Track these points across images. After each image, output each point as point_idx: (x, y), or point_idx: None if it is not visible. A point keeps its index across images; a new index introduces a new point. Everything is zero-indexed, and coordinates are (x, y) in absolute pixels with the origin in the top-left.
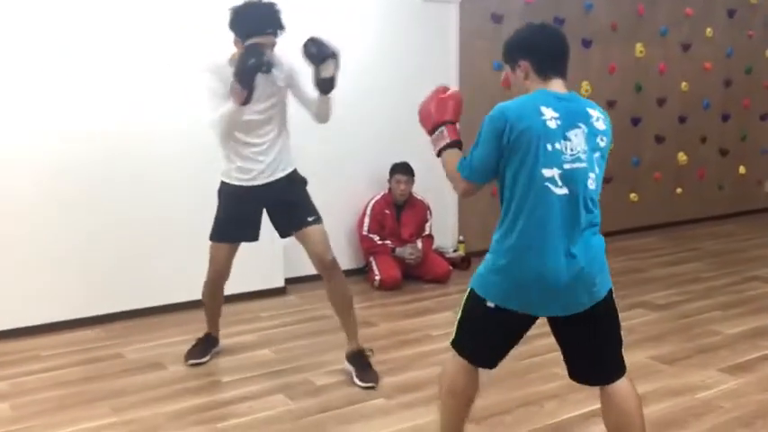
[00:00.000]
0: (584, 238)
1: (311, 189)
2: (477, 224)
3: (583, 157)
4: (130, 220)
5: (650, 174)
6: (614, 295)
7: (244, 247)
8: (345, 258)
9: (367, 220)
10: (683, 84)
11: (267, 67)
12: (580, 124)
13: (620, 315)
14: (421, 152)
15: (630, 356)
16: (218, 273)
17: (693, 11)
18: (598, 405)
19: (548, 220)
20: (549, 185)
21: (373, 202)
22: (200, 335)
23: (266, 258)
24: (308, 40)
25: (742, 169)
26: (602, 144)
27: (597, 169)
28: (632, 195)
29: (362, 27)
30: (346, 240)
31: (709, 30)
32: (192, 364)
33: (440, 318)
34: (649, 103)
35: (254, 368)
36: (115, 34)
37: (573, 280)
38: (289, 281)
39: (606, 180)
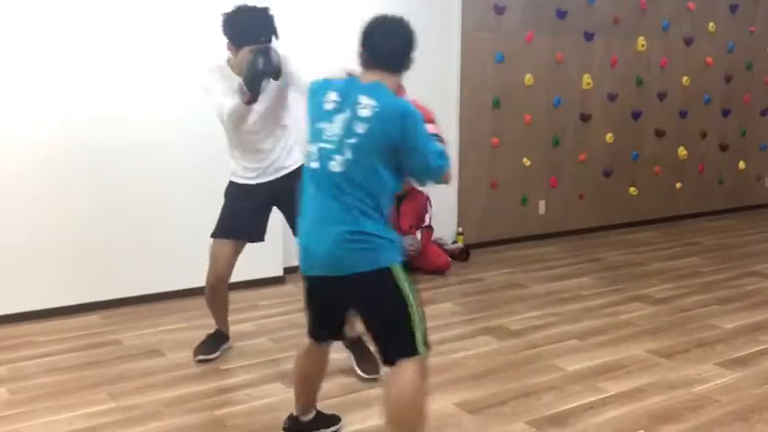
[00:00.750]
0: (334, 212)
1: None
2: (476, 216)
3: (335, 139)
4: (128, 206)
5: (650, 168)
6: (398, 279)
7: None
8: None
9: None
10: (684, 78)
11: (276, 74)
12: (347, 110)
13: (619, 308)
14: None
15: (628, 350)
16: (219, 277)
17: (696, 5)
18: (596, 397)
19: (307, 190)
20: (309, 160)
21: None
22: (200, 323)
23: (264, 247)
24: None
25: (742, 164)
26: (360, 131)
27: (349, 153)
28: (632, 189)
29: (363, 18)
30: None
31: (711, 24)
32: (201, 360)
33: (439, 309)
34: (650, 97)
35: (253, 356)
36: (118, 20)
37: (320, 246)
38: (287, 270)
39: (606, 173)
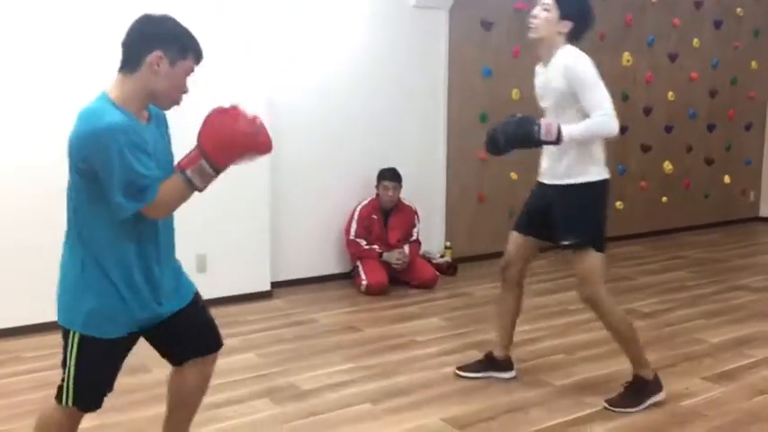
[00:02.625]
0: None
1: (296, 195)
2: (464, 230)
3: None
4: None
5: (636, 182)
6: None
7: (230, 248)
8: (332, 263)
9: (354, 224)
10: (670, 93)
11: None
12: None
13: None
14: (408, 158)
15: (616, 364)
16: (504, 260)
17: (680, 21)
18: (584, 412)
19: None
20: None
21: (360, 207)
22: None
23: (252, 262)
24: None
25: (727, 179)
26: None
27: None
28: (618, 203)
29: (352, 32)
30: (333, 245)
31: (696, 40)
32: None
33: (426, 323)
34: (636, 112)
35: (240, 372)
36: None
37: None
38: (275, 284)
39: None
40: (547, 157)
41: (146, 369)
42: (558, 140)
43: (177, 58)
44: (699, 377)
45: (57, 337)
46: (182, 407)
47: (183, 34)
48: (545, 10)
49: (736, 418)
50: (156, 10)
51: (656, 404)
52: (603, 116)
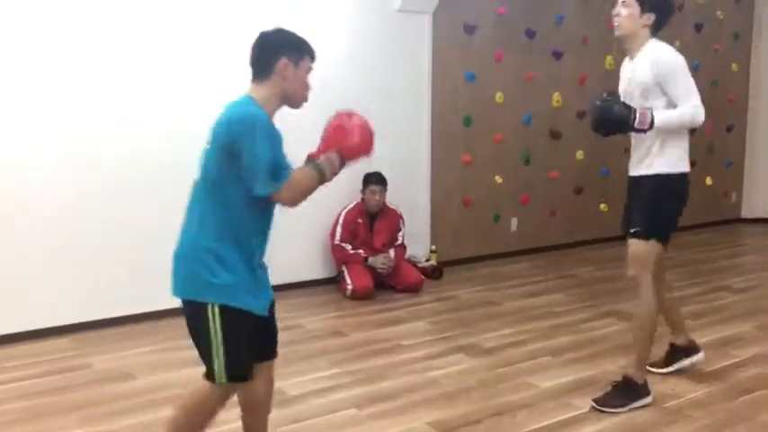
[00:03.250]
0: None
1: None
2: (449, 234)
3: (202, 157)
4: (96, 226)
5: (620, 184)
6: (213, 312)
7: None
8: (318, 267)
9: (339, 229)
10: None
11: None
12: (213, 124)
13: (592, 324)
14: (393, 162)
15: (602, 365)
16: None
17: None
18: (570, 414)
19: None
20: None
21: (345, 211)
22: (172, 344)
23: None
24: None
25: (709, 180)
26: (207, 146)
27: (204, 160)
28: (602, 206)
29: (335, 35)
30: (319, 249)
31: (677, 43)
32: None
33: (411, 327)
34: None
35: None
36: (152, 27)
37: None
38: None
39: (577, 190)
40: (633, 149)
41: (131, 377)
42: (649, 129)
43: (299, 60)
44: (684, 377)
45: (39, 346)
46: (255, 413)
47: (298, 39)
48: (626, 6)
49: (721, 418)
50: (139, 13)
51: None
52: (694, 107)
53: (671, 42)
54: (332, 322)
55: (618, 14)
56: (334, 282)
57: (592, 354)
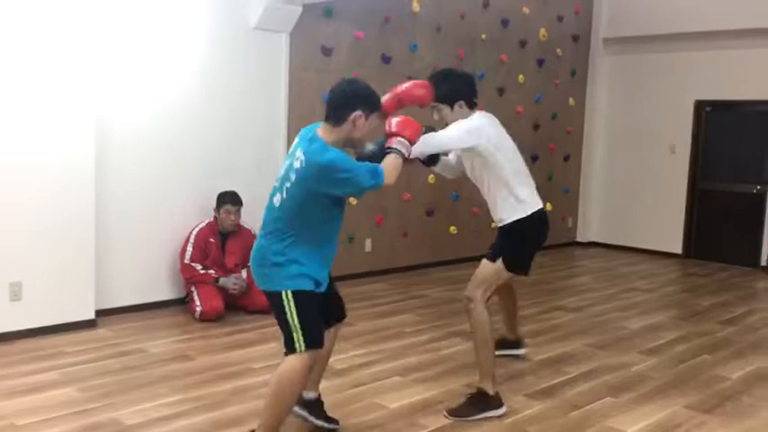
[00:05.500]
0: (264, 235)
1: (132, 217)
2: None
3: (278, 182)
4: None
5: (468, 208)
6: (285, 297)
7: (48, 273)
8: (165, 288)
9: (190, 248)
10: None
11: None
12: (289, 160)
13: (439, 344)
14: (247, 181)
15: (447, 384)
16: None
17: (507, 58)
18: None
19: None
20: (272, 192)
21: (197, 229)
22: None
23: (75, 287)
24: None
25: (549, 206)
26: (292, 177)
27: (284, 193)
28: (452, 228)
29: (189, 53)
30: (167, 269)
31: (521, 76)
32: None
33: (262, 350)
34: None
35: (57, 408)
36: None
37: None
38: (100, 312)
39: (428, 213)
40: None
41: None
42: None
43: (370, 115)
44: (522, 394)
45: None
46: (320, 360)
47: (373, 95)
48: (437, 111)
49: None
50: None
51: (484, 419)
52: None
53: (516, 75)
54: (178, 346)
55: (436, 118)
56: (183, 303)
57: (438, 373)
